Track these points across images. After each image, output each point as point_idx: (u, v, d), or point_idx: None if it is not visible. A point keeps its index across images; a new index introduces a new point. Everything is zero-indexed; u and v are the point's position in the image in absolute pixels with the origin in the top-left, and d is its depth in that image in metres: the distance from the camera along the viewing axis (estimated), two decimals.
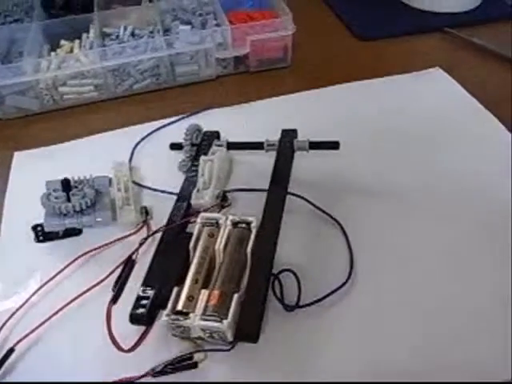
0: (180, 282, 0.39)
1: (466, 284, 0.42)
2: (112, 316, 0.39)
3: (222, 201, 0.48)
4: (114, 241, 0.46)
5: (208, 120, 0.60)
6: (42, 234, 0.48)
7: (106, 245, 0.46)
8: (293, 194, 0.48)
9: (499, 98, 0.62)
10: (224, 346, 0.37)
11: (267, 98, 0.64)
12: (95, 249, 0.46)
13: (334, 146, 0.49)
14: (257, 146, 0.51)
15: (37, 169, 0.57)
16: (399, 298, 0.42)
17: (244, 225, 0.41)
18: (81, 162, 0.56)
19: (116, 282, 0.40)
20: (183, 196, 0.48)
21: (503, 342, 0.38)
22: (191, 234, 0.42)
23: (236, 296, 0.37)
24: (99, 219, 0.47)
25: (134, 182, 0.52)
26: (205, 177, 0.48)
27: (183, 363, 0.37)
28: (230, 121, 0.60)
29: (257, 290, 0.38)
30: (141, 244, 0.44)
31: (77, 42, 0.69)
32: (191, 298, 0.37)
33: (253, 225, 0.41)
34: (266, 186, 0.48)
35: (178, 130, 0.56)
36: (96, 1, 0.72)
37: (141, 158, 0.57)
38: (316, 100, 0.64)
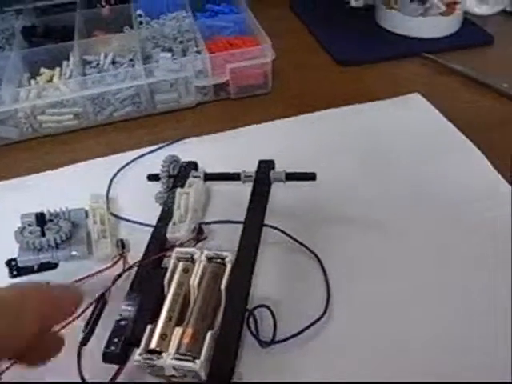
0: (154, 319, 0.38)
1: (451, 319, 0.42)
2: (85, 355, 0.39)
3: (198, 234, 0.47)
4: (88, 276, 0.45)
5: (186, 149, 0.59)
6: (16, 269, 0.47)
7: (80, 280, 0.45)
8: (269, 226, 0.47)
9: (477, 124, 0.63)
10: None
11: (247, 126, 0.64)
12: None
13: (311, 177, 0.48)
14: (234, 177, 0.51)
15: (11, 200, 0.56)
16: (377, 332, 0.41)
17: (219, 260, 0.41)
18: (57, 193, 0.56)
19: (87, 323, 0.39)
20: (159, 229, 0.48)
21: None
22: (166, 269, 0.41)
23: (209, 334, 0.36)
24: (74, 253, 0.47)
25: (112, 214, 0.52)
26: (181, 210, 0.47)
27: None
28: (209, 150, 0.60)
29: (230, 327, 0.38)
30: (114, 281, 0.43)
31: (57, 69, 0.69)
32: (164, 337, 0.37)
33: (227, 259, 0.40)
34: (244, 218, 0.47)
35: (156, 160, 0.56)
36: (77, 28, 0.72)
37: (119, 188, 0.56)
38: (297, 127, 0.64)
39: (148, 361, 0.35)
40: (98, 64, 0.69)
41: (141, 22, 0.76)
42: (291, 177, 0.49)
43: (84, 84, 0.64)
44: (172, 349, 0.36)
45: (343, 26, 0.84)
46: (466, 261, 0.46)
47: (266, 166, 0.51)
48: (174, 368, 0.35)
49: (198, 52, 0.69)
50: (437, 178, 0.55)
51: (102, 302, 0.41)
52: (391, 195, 0.53)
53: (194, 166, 0.54)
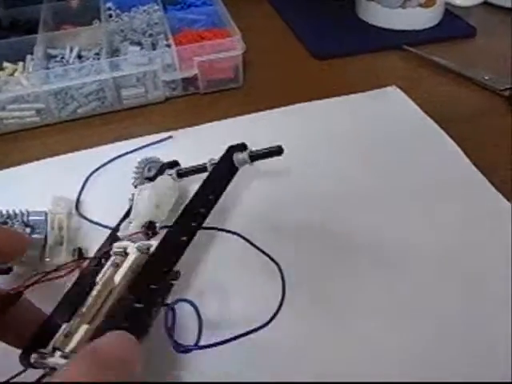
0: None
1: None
2: None
3: (149, 229, 0.41)
4: (33, 283, 0.41)
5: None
6: None
7: (28, 286, 0.41)
8: (224, 231, 0.40)
9: (456, 116, 0.61)
10: None
11: (217, 121, 0.62)
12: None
13: (278, 151, 0.43)
14: (202, 169, 0.47)
15: None
16: (325, 353, 0.38)
17: (148, 250, 0.37)
18: (19, 192, 0.53)
19: None
20: (116, 228, 0.44)
21: None
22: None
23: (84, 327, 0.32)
24: (23, 259, 0.43)
25: (82, 215, 0.49)
26: (138, 206, 0.44)
27: None
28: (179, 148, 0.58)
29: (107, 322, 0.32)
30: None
31: (20, 64, 0.67)
32: (69, 334, 0.33)
33: (152, 249, 0.36)
34: None
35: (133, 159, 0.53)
36: (42, 21, 0.69)
37: (91, 189, 0.53)
38: (269, 121, 0.61)
39: (42, 361, 0.32)
40: (62, 58, 0.66)
41: (110, 15, 0.73)
42: (256, 155, 0.44)
43: (47, 78, 0.61)
44: (69, 347, 0.32)
45: (320, 18, 0.81)
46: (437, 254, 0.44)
47: (232, 150, 0.45)
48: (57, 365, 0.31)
49: (168, 46, 0.66)
50: (412, 170, 0.53)
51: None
52: (367, 187, 0.51)
53: (173, 165, 0.50)
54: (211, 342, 0.32)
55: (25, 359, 0.33)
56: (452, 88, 0.67)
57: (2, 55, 0.67)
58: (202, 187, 0.41)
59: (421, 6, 0.73)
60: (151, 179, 0.49)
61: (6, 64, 0.66)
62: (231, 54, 0.63)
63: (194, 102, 0.66)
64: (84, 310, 0.35)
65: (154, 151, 0.56)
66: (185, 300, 0.35)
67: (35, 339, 0.34)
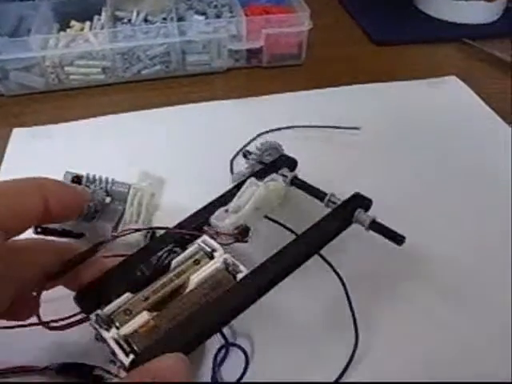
0: (138, 291, 0.34)
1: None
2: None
3: (240, 234, 0.39)
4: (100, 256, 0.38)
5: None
6: (39, 226, 0.43)
7: (101, 244, 0.37)
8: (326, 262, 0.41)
9: None
10: None
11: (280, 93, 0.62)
12: None
13: (398, 240, 0.38)
14: (319, 195, 0.43)
15: (36, 147, 0.54)
16: None
17: (233, 270, 0.35)
18: (84, 144, 0.54)
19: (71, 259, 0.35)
20: (208, 208, 0.41)
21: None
22: (185, 249, 0.37)
23: (161, 337, 0.32)
24: (98, 228, 0.42)
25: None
26: (241, 200, 0.41)
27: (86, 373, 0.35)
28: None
29: (181, 341, 0.31)
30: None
31: (87, 23, 0.67)
32: (128, 312, 0.33)
33: (238, 276, 0.35)
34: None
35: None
36: None
37: (168, 151, 0.53)
38: (330, 99, 0.62)
39: (96, 325, 0.32)
40: (129, 21, 0.67)
41: None
42: (375, 228, 0.40)
43: (114, 37, 0.62)
44: (123, 330, 0.32)
45: (380, 6, 0.82)
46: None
47: (356, 202, 0.41)
48: (111, 351, 0.31)
49: (232, 17, 0.67)
50: (472, 159, 0.53)
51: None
52: (421, 177, 0.51)
53: (291, 163, 0.47)
54: None
55: (85, 305, 0.34)
56: (510, 83, 0.67)
57: (70, 13, 0.68)
58: (312, 230, 0.39)
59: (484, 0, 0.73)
60: (265, 168, 0.46)
61: (73, 22, 0.67)
62: (298, 30, 0.64)
63: (256, 74, 0.67)
64: (149, 293, 0.34)
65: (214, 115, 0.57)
66: (238, 346, 0.36)
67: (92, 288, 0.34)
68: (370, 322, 0.38)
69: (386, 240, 0.39)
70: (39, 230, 0.44)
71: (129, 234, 0.39)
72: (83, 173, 0.45)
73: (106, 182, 0.45)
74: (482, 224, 0.46)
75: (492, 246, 0.44)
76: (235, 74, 0.67)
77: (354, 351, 0.36)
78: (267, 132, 0.54)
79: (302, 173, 0.45)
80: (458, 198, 0.49)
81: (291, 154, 0.47)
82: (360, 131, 0.56)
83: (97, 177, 0.45)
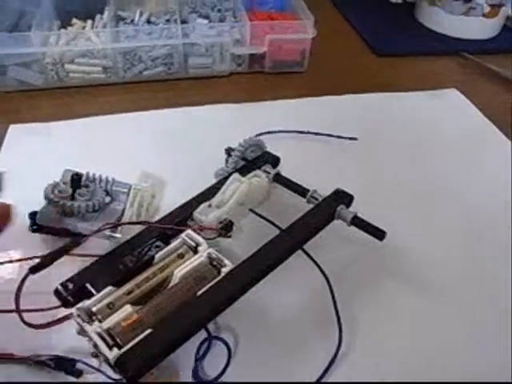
0: (121, 284, 0.34)
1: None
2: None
3: (224, 229, 0.39)
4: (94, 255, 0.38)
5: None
6: (37, 224, 0.42)
7: (86, 256, 0.38)
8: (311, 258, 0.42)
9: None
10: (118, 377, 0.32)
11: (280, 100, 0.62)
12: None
13: (379, 236, 0.39)
14: (301, 191, 0.44)
15: (33, 144, 0.53)
16: None
17: (217, 264, 0.35)
18: (84, 143, 0.54)
19: (49, 253, 0.34)
20: (191, 203, 0.41)
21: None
22: (168, 244, 0.37)
23: (148, 332, 0.31)
24: (95, 229, 0.39)
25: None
26: (224, 195, 0.41)
27: (70, 367, 0.34)
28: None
29: (170, 334, 0.31)
30: None
31: (89, 22, 0.67)
32: (111, 306, 0.33)
33: (223, 270, 0.35)
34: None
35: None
36: None
37: (168, 153, 0.52)
38: (329, 107, 0.62)
39: (79, 319, 0.32)
40: (132, 21, 0.67)
41: None
42: (357, 223, 0.40)
43: (116, 37, 0.61)
44: (106, 323, 0.31)
45: (381, 18, 0.82)
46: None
47: (337, 198, 0.42)
48: (95, 345, 0.31)
49: (237, 22, 0.67)
50: (471, 173, 0.53)
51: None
52: (419, 188, 0.51)
53: (274, 160, 0.47)
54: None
55: (66, 300, 0.33)
56: (509, 97, 0.68)
57: (71, 11, 0.67)
58: (295, 226, 0.39)
59: (484, 15, 0.74)
60: (248, 164, 0.46)
61: (74, 20, 0.67)
62: (302, 37, 0.64)
63: (257, 80, 0.67)
64: (132, 286, 0.34)
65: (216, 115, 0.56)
66: (221, 340, 0.35)
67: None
68: (353, 318, 0.38)
69: (368, 236, 0.39)
70: (35, 227, 0.43)
71: (109, 228, 0.39)
72: (83, 171, 0.44)
73: (107, 181, 0.44)
74: (472, 234, 0.46)
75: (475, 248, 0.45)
76: (237, 79, 0.67)
77: (337, 349, 0.35)
78: (263, 134, 0.54)
79: (291, 175, 0.45)
80: (445, 206, 0.49)
81: (284, 158, 0.47)
82: (357, 141, 0.56)
83: (97, 176, 0.44)
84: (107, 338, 0.31)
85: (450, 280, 0.42)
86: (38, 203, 0.42)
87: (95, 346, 0.31)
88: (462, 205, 0.49)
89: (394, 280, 0.42)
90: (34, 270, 0.32)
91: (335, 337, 0.36)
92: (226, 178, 0.43)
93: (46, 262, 0.33)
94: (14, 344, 0.35)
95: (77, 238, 0.37)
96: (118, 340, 0.31)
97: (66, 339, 0.35)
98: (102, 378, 0.33)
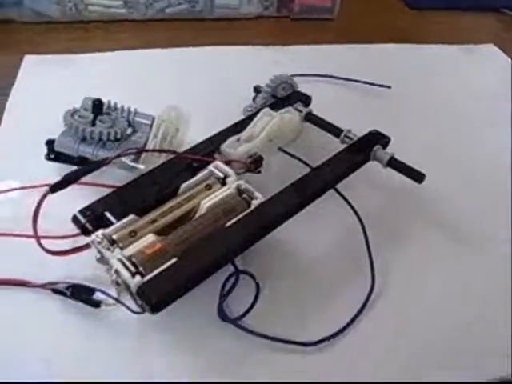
0: (143, 214, 0.32)
1: None
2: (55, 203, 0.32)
3: (253, 163, 0.37)
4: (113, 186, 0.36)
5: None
6: (53, 152, 0.40)
7: (106, 186, 0.36)
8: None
9: None
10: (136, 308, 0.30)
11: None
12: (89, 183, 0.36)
13: (417, 178, 0.37)
14: (335, 131, 0.42)
15: (48, 75, 0.51)
16: None
17: (247, 197, 0.33)
18: (103, 76, 0.51)
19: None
20: (220, 136, 0.39)
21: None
22: (196, 174, 0.35)
23: (173, 261, 0.29)
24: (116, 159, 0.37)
25: None
26: (254, 129, 0.39)
27: (87, 296, 0.32)
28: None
29: (196, 265, 0.29)
30: None
31: None
32: (133, 234, 0.31)
33: (254, 202, 0.33)
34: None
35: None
36: None
37: (192, 90, 0.50)
38: (359, 55, 0.59)
39: (99, 246, 0.30)
40: None
41: None
42: (394, 165, 0.38)
43: None
44: (128, 251, 0.30)
45: None
46: None
47: (373, 139, 0.40)
48: (116, 272, 0.29)
49: None
50: (506, 128, 0.50)
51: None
52: (452, 139, 0.49)
53: (304, 99, 0.45)
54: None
55: (84, 227, 0.32)
56: None
57: None
58: (327, 164, 0.37)
59: None
60: (277, 102, 0.44)
61: None
62: None
63: (285, 25, 0.64)
64: (156, 215, 0.32)
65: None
66: (250, 274, 0.33)
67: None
68: (385, 260, 0.36)
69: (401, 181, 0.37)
70: (52, 156, 0.41)
71: (133, 153, 0.37)
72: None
73: (129, 111, 0.42)
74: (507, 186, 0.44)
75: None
76: (263, 23, 0.64)
77: (370, 290, 0.34)
78: (294, 76, 0.50)
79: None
80: (479, 159, 0.47)
81: (315, 101, 0.44)
82: (389, 89, 0.53)
83: (118, 105, 0.42)
84: (129, 266, 0.29)
85: (483, 229, 0.40)
86: (55, 132, 0.39)
87: (116, 272, 0.29)
88: (497, 159, 0.47)
89: (427, 225, 0.40)
90: (54, 188, 0.30)
91: (367, 278, 0.34)
92: (256, 114, 0.41)
93: (67, 180, 0.31)
94: (29, 271, 0.33)
95: (98, 163, 0.34)
96: (140, 268, 0.29)
97: (84, 269, 0.33)
98: (121, 310, 0.31)
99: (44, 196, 0.30)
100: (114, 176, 0.38)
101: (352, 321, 0.32)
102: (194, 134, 0.43)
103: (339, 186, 0.39)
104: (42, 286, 0.32)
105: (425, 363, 0.31)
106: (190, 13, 0.61)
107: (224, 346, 0.31)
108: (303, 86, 0.47)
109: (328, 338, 0.31)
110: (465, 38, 0.65)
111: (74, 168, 0.38)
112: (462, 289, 0.36)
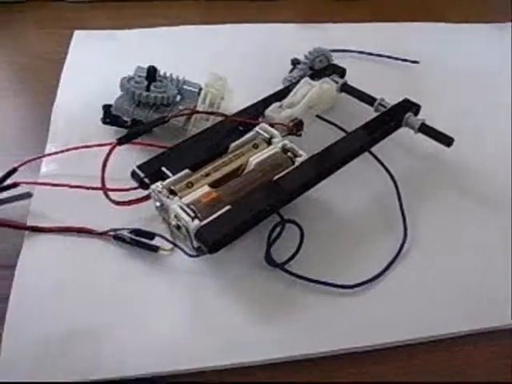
0: (197, 169, 0.36)
1: None
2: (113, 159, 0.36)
3: (295, 127, 0.40)
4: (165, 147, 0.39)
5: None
6: (109, 116, 0.43)
7: (159, 147, 0.40)
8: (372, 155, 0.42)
9: None
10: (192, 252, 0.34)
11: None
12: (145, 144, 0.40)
13: (447, 142, 0.40)
14: (369, 100, 0.45)
15: (98, 48, 0.55)
16: None
17: (292, 155, 0.37)
18: (150, 49, 0.54)
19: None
20: (263, 102, 0.43)
21: None
22: (242, 135, 0.39)
23: (227, 208, 0.33)
24: (170, 126, 0.41)
25: None
26: (295, 97, 0.42)
27: (146, 240, 0.35)
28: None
29: (247, 212, 0.33)
30: None
31: None
32: (190, 185, 0.34)
33: (298, 159, 0.36)
34: None
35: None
36: None
37: (232, 63, 0.52)
38: (391, 32, 0.61)
39: (159, 195, 0.34)
40: None
41: None
42: (425, 130, 0.41)
43: None
44: (186, 199, 0.33)
45: None
46: None
47: (405, 107, 0.43)
48: (175, 216, 0.33)
49: None
50: None
51: None
52: (483, 114, 0.50)
53: (340, 71, 0.48)
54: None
55: (142, 180, 0.35)
56: None
57: None
58: (362, 128, 0.40)
59: None
60: (315, 73, 0.47)
61: None
62: None
63: (319, 4, 0.66)
64: (210, 170, 0.36)
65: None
66: (295, 223, 0.36)
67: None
68: (416, 219, 0.39)
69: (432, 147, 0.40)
70: (107, 120, 0.44)
71: (186, 115, 0.40)
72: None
73: (177, 80, 0.45)
74: None
75: None
76: (299, 2, 0.66)
77: (403, 241, 0.37)
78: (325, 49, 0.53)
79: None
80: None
81: (348, 76, 0.47)
82: (419, 65, 0.55)
83: (168, 74, 0.45)
84: (189, 211, 0.32)
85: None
86: (107, 99, 0.43)
87: (176, 217, 0.33)
88: None
89: (457, 189, 0.42)
90: (121, 140, 0.34)
91: (399, 231, 0.37)
92: (295, 84, 0.44)
93: (134, 132, 0.34)
94: (93, 220, 0.37)
95: (156, 121, 0.37)
96: (198, 214, 0.32)
97: (142, 220, 0.37)
98: (176, 255, 0.35)
99: (112, 147, 0.33)
100: (165, 138, 0.42)
101: (386, 268, 0.35)
102: (236, 103, 0.46)
103: (374, 150, 0.42)
104: (106, 232, 0.36)
105: (450, 313, 0.34)
106: None
107: (271, 288, 0.34)
108: (337, 61, 0.50)
109: (364, 283, 0.34)
110: (495, 15, 0.66)
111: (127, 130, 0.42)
112: (490, 249, 0.38)
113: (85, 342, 0.31)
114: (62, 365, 0.30)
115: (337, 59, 0.51)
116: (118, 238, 0.36)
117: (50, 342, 0.31)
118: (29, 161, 0.40)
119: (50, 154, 0.41)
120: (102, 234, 0.36)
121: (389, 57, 0.55)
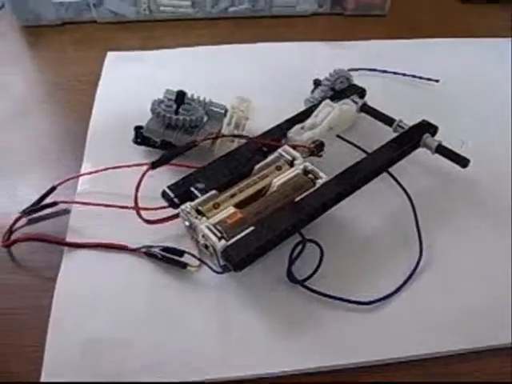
0: (223, 190, 0.38)
1: None
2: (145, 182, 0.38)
3: (316, 148, 0.42)
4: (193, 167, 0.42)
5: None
6: (140, 136, 0.46)
7: (187, 167, 0.42)
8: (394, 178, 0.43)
9: None
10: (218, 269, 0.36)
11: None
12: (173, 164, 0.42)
13: (462, 163, 0.42)
14: (388, 121, 0.47)
15: (130, 69, 0.58)
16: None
17: (313, 176, 0.39)
18: (177, 70, 0.57)
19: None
20: (286, 124, 0.45)
21: None
22: (266, 156, 0.41)
23: (251, 229, 0.35)
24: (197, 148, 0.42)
25: None
26: (317, 119, 0.45)
27: (175, 257, 0.38)
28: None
29: (270, 235, 0.35)
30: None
31: None
32: (216, 206, 0.37)
33: (319, 180, 0.38)
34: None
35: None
36: None
37: (255, 83, 0.54)
38: (410, 49, 0.62)
39: (188, 215, 0.36)
40: None
41: None
42: (442, 151, 0.43)
43: None
44: (213, 219, 0.35)
45: None
46: None
47: (423, 128, 0.45)
48: (203, 235, 0.35)
49: None
50: None
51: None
52: (503, 132, 0.51)
53: (360, 91, 0.50)
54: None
55: (172, 200, 0.38)
56: None
57: None
58: (382, 150, 0.42)
59: None
60: (335, 94, 0.49)
61: None
62: None
63: (338, 21, 0.68)
64: (235, 191, 0.38)
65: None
66: (315, 242, 0.38)
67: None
68: (432, 239, 0.40)
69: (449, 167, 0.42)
70: (138, 140, 0.47)
71: (213, 138, 0.43)
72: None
73: (204, 102, 0.48)
74: None
75: None
76: (318, 19, 0.68)
77: (419, 260, 0.38)
78: (350, 70, 0.55)
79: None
80: None
81: (368, 95, 0.49)
82: (439, 83, 0.56)
83: (195, 96, 0.48)
84: (215, 231, 0.35)
85: None
86: (138, 120, 0.46)
87: (204, 237, 0.35)
88: None
89: (472, 209, 0.43)
90: (154, 164, 0.36)
91: (415, 250, 0.39)
92: (316, 105, 0.46)
93: (167, 157, 0.37)
94: (126, 237, 0.39)
95: (188, 145, 0.40)
96: (224, 234, 0.35)
97: (172, 237, 0.39)
98: (203, 272, 0.37)
99: (146, 171, 0.36)
100: (192, 159, 0.44)
101: (402, 286, 0.37)
102: (261, 123, 0.48)
103: (392, 170, 0.43)
104: (138, 249, 0.39)
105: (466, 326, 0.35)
106: (250, 11, 0.66)
107: (292, 304, 0.36)
108: (357, 79, 0.52)
109: (380, 300, 0.36)
110: None
111: (157, 151, 0.44)
112: (506, 270, 0.39)
113: (116, 348, 0.33)
114: (97, 369, 0.32)
115: (357, 77, 0.52)
116: (149, 255, 0.38)
117: (87, 347, 0.33)
118: (67, 179, 0.43)
119: (86, 174, 0.44)
120: (134, 250, 0.39)
121: (408, 75, 0.57)
